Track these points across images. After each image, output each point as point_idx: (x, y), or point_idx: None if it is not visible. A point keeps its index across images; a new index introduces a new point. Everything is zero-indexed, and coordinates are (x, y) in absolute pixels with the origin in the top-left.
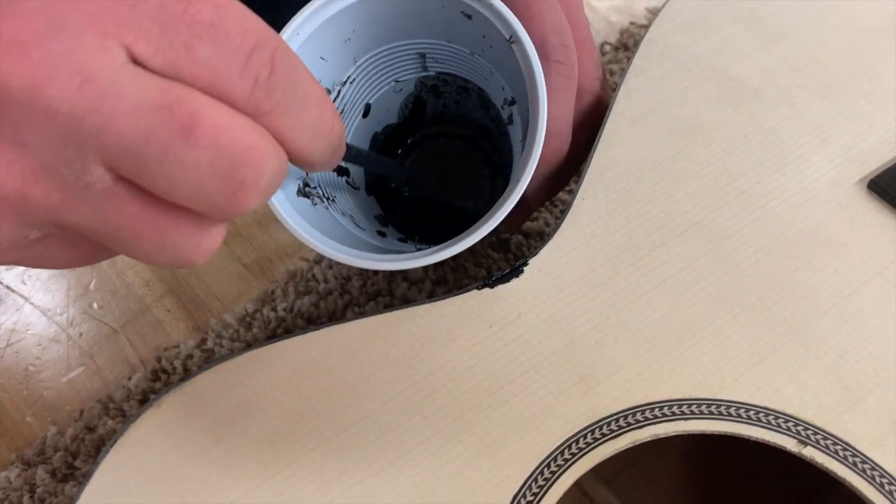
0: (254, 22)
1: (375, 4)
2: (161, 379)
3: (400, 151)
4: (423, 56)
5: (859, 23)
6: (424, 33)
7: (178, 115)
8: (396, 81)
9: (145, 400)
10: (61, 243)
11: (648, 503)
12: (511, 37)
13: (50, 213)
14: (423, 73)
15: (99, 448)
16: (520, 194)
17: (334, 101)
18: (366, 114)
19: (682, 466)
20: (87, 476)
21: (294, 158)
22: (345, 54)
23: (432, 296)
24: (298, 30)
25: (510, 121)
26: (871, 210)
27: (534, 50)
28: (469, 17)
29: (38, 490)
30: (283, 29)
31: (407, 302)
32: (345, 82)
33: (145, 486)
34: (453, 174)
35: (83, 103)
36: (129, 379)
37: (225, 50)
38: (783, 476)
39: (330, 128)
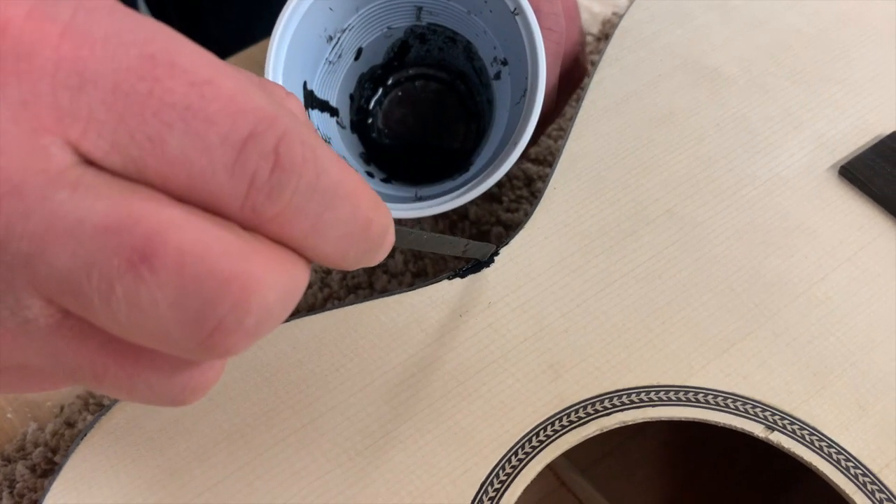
0: (251, 100)
1: None
2: None
3: (381, 90)
4: (419, 9)
5: (832, 10)
6: None
7: (128, 239)
8: (389, 28)
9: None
10: (20, 375)
11: (626, 491)
12: (515, 9)
13: None
14: (416, 23)
15: None
16: (521, 150)
17: (333, 48)
18: (357, 57)
19: (660, 454)
20: (58, 468)
21: (320, 263)
22: (349, 4)
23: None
24: None
25: (497, 76)
26: (842, 196)
27: (537, 25)
28: None
29: (17, 485)
30: None
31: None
32: (345, 29)
33: (115, 478)
34: (429, 116)
35: (3, 224)
36: None
37: (206, 141)
38: (759, 463)
39: (366, 224)
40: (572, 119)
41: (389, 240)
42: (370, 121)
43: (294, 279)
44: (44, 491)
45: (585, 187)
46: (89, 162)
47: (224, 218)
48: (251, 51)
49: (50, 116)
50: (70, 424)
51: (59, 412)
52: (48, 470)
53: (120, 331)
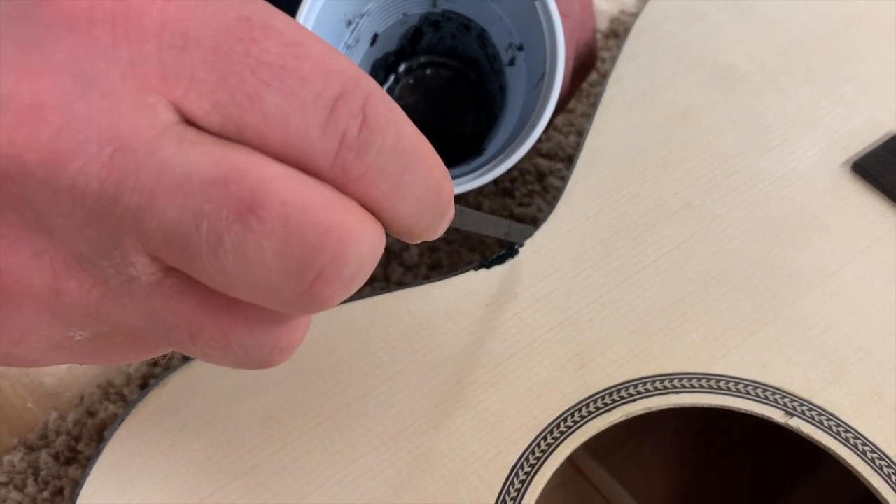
0: (338, 61)
1: None
2: (160, 364)
3: (393, 77)
4: None
5: (843, 10)
6: None
7: (235, 190)
8: (405, 14)
9: (145, 385)
10: (113, 341)
11: (641, 479)
12: None
13: (90, 312)
14: (431, 10)
15: (101, 432)
16: (540, 132)
17: (352, 32)
18: (373, 42)
19: (674, 444)
20: (96, 453)
21: (393, 229)
22: None
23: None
24: None
25: (512, 63)
26: (855, 191)
27: (557, 11)
28: None
29: (41, 473)
30: None
31: (402, 287)
32: (363, 14)
33: (154, 462)
34: (440, 103)
35: (115, 179)
36: (129, 364)
37: (301, 100)
38: (771, 452)
39: (438, 189)
40: (591, 116)
41: (453, 210)
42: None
43: (380, 237)
44: (83, 475)
45: (606, 181)
46: (190, 121)
47: (315, 176)
48: None
49: (155, 76)
50: (91, 413)
51: (79, 402)
52: (71, 458)
53: (224, 282)
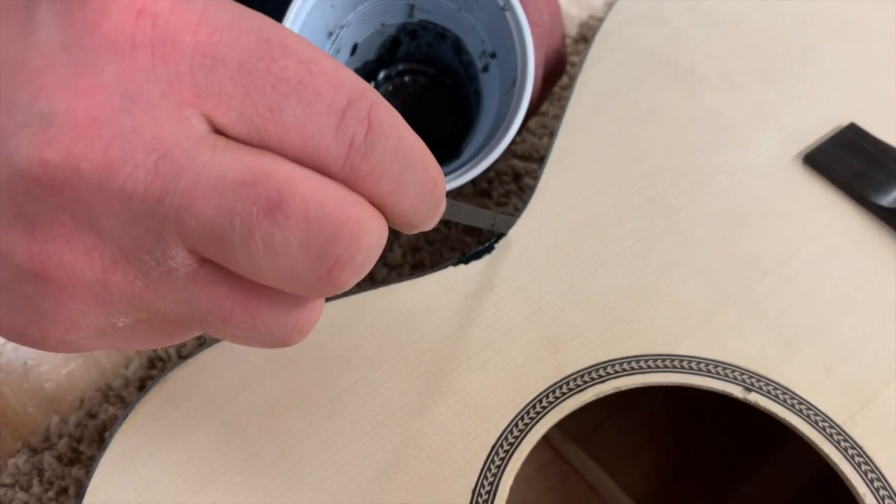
0: (346, 75)
1: None
2: (157, 366)
3: (373, 85)
4: (412, 6)
5: (794, 12)
6: None
7: (263, 190)
8: (383, 25)
9: (143, 387)
10: (150, 326)
11: (618, 459)
12: (504, 5)
13: (133, 300)
14: (408, 20)
15: (102, 433)
16: (513, 135)
17: (333, 43)
18: (353, 52)
19: (648, 425)
20: (103, 446)
21: (394, 222)
22: (349, 2)
23: None
24: None
25: (486, 69)
26: (807, 182)
27: (526, 20)
28: None
29: (46, 474)
30: None
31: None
32: (343, 26)
33: (157, 453)
34: (419, 109)
35: (159, 183)
36: (127, 368)
37: (315, 110)
38: (739, 430)
39: (433, 185)
40: (560, 117)
41: (445, 203)
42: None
43: (384, 228)
44: (91, 468)
45: (575, 179)
46: (219, 131)
47: (328, 176)
48: None
49: (189, 92)
50: (92, 416)
51: (79, 405)
52: (74, 458)
53: (254, 271)
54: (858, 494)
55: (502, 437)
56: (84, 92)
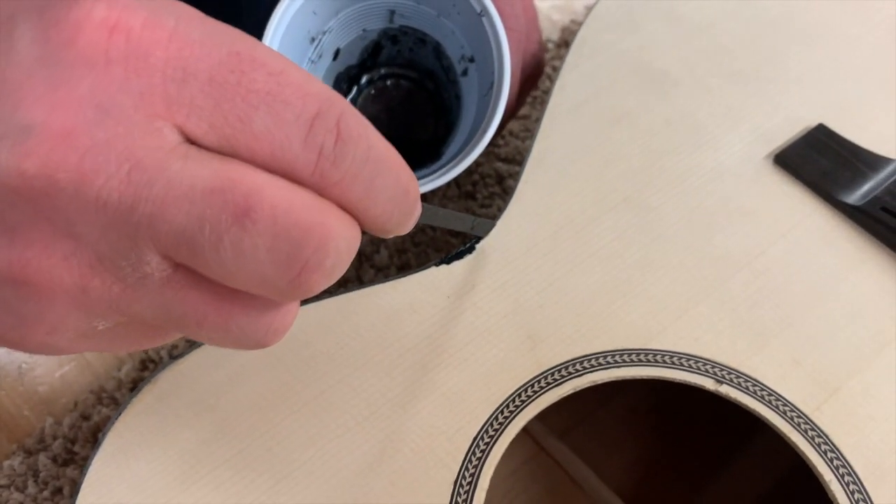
0: (314, 86)
1: None
2: (149, 368)
3: (356, 89)
4: (392, 12)
5: (765, 15)
6: None
7: (231, 197)
8: (364, 30)
9: (136, 388)
10: (130, 329)
11: (600, 452)
12: (481, 11)
13: (111, 304)
14: (389, 25)
15: (96, 434)
16: (490, 137)
17: (315, 48)
18: (335, 57)
19: (628, 419)
20: (97, 444)
21: (368, 227)
22: (330, 9)
23: None
24: None
25: (465, 73)
26: (777, 181)
27: (502, 26)
28: None
29: (41, 474)
30: None
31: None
32: (325, 31)
33: (150, 450)
34: (401, 112)
35: (132, 192)
36: (119, 370)
37: (284, 119)
38: (716, 422)
39: (405, 191)
40: (539, 120)
41: (419, 208)
42: None
43: (355, 234)
44: (85, 465)
45: (553, 181)
46: (191, 141)
47: (298, 184)
48: None
49: (161, 104)
50: (86, 417)
51: (73, 407)
52: (69, 459)
53: (225, 276)
54: (825, 481)
55: (483, 430)
56: (60, 105)
